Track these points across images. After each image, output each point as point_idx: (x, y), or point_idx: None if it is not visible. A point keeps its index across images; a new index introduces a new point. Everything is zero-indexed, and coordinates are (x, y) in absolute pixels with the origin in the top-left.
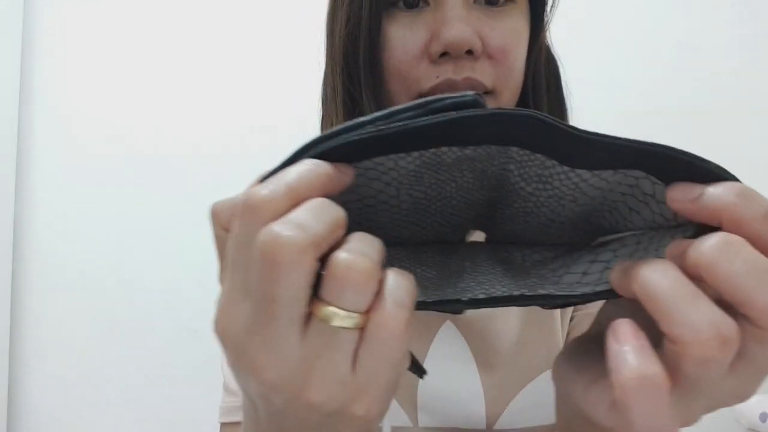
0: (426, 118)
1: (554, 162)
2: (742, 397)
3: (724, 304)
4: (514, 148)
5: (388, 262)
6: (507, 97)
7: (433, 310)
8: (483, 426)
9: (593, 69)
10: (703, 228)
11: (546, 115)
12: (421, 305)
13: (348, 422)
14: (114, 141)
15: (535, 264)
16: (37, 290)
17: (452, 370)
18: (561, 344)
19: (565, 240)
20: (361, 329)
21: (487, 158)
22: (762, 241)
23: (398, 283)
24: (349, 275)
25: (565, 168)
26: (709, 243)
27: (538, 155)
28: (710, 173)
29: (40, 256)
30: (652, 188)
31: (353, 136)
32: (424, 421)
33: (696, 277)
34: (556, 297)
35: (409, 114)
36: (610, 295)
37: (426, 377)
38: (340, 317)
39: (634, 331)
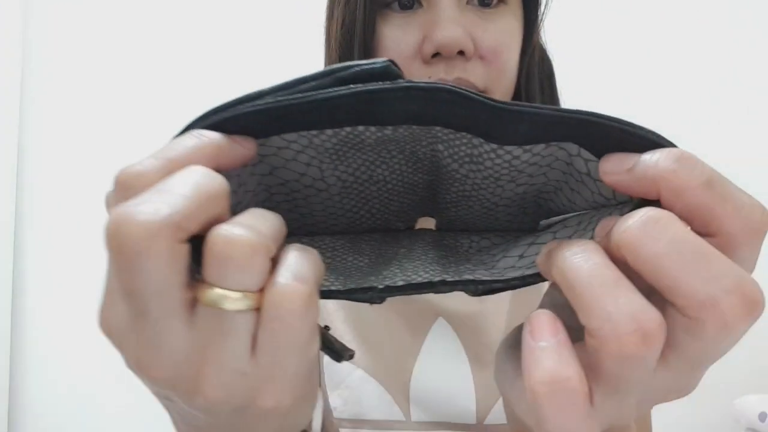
0: (327, 90)
1: (480, 140)
2: (683, 391)
3: (654, 293)
4: (437, 128)
5: (323, 251)
6: (499, 98)
7: (344, 299)
8: (473, 421)
9: (588, 69)
10: (643, 204)
11: (459, 87)
12: (334, 294)
13: (262, 418)
14: (115, 140)
15: (480, 250)
16: (38, 290)
17: (444, 366)
18: None
19: (515, 226)
20: (258, 311)
21: (413, 139)
22: (702, 212)
23: (298, 258)
24: (228, 250)
25: (493, 145)
26: (633, 220)
27: (463, 133)
28: (645, 141)
29: (41, 256)
30: (586, 166)
31: (248, 107)
32: (416, 415)
33: (622, 261)
34: (481, 282)
35: (313, 84)
36: (536, 279)
37: (420, 372)
38: (230, 300)
39: (551, 325)
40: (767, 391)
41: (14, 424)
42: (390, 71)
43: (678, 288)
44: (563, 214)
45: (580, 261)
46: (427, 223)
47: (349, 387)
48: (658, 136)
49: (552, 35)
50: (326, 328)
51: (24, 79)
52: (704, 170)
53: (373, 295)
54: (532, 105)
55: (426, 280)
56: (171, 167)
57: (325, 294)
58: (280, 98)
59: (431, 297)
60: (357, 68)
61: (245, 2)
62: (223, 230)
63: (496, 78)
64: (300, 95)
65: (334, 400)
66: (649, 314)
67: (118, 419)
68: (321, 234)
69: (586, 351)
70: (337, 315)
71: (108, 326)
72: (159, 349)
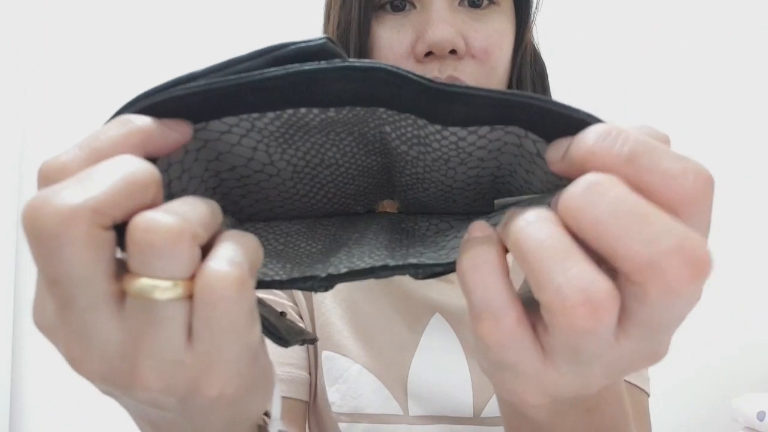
0: (260, 71)
1: (425, 121)
2: (652, 358)
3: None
4: (381, 109)
5: (277, 237)
6: None
7: (285, 288)
8: (470, 414)
9: (581, 68)
10: None
11: (397, 67)
12: (275, 284)
13: (209, 408)
14: None
15: (438, 232)
16: None
17: (442, 361)
18: None
19: (475, 210)
20: (191, 298)
21: (359, 121)
22: (635, 186)
23: (231, 243)
24: (149, 237)
25: (437, 126)
26: (574, 187)
27: (407, 114)
28: (578, 122)
29: None
30: (535, 146)
31: (178, 90)
32: (414, 409)
33: (574, 232)
34: (422, 266)
35: (248, 64)
36: None
37: (418, 366)
38: (159, 289)
39: (483, 225)
40: (766, 390)
41: (14, 424)
42: (326, 49)
43: (619, 252)
44: (521, 194)
45: (532, 231)
46: (391, 206)
47: (347, 382)
48: (589, 115)
49: (544, 35)
50: (282, 314)
51: (27, 80)
52: (626, 144)
53: (314, 284)
54: (469, 86)
55: (368, 266)
56: (96, 157)
57: (267, 284)
58: (212, 81)
59: (428, 293)
60: (292, 47)
61: (245, 5)
62: (143, 216)
63: (488, 76)
64: (233, 77)
65: (333, 395)
66: (598, 285)
67: (119, 419)
68: (278, 219)
69: (544, 321)
70: (335, 312)
71: (40, 320)
72: (88, 342)
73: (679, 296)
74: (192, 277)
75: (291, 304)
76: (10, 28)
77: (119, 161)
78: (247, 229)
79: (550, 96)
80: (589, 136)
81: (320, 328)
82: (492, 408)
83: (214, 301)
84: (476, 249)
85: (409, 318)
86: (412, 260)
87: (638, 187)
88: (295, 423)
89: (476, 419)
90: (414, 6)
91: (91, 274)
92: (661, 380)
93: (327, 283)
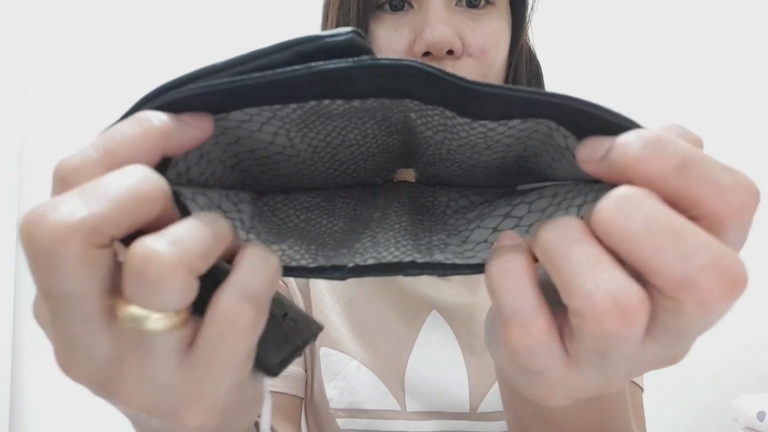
0: (285, 70)
1: (453, 113)
2: (673, 360)
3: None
4: (407, 100)
5: (298, 213)
6: None
7: (312, 277)
8: (467, 409)
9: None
10: None
11: (425, 64)
12: (302, 272)
13: None
14: None
15: (458, 210)
16: None
17: (439, 358)
18: None
19: (494, 183)
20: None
21: (383, 108)
22: (680, 197)
23: (250, 269)
24: (144, 268)
25: (467, 119)
26: (606, 200)
27: (434, 106)
28: (621, 128)
29: None
30: (565, 141)
31: (200, 88)
32: (411, 405)
33: (607, 246)
34: (450, 267)
35: (271, 58)
36: None
37: (415, 363)
38: (152, 319)
39: (511, 234)
40: (766, 390)
41: (15, 424)
42: (353, 44)
43: (653, 267)
44: (544, 176)
45: (560, 237)
46: (408, 175)
47: (345, 378)
48: (628, 120)
49: (540, 36)
50: (285, 315)
51: (27, 80)
52: (676, 153)
53: (342, 274)
54: (504, 86)
55: (396, 260)
56: (110, 159)
57: (294, 271)
58: (235, 78)
59: (425, 290)
60: (318, 41)
61: (244, 3)
62: (141, 245)
63: (484, 76)
64: (258, 75)
65: (331, 391)
66: (629, 291)
67: (119, 419)
68: (296, 191)
69: (571, 327)
70: (333, 309)
71: (37, 316)
72: (77, 352)
73: (712, 311)
74: (187, 308)
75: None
76: (10, 28)
77: (126, 174)
78: (266, 203)
79: None
80: (635, 142)
81: None
82: (488, 403)
83: (224, 334)
84: (506, 255)
85: (407, 315)
86: (438, 256)
87: (686, 198)
88: (290, 419)
89: (473, 414)
90: (412, 6)
91: (84, 291)
92: (661, 380)
93: (354, 274)
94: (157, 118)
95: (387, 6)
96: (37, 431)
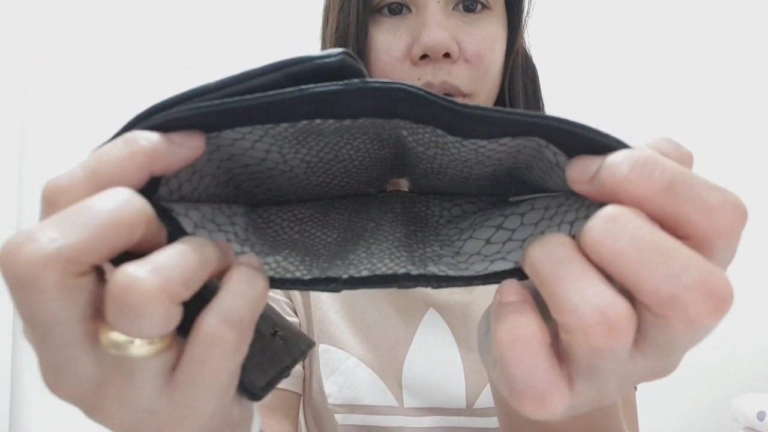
0: (276, 92)
1: (444, 132)
2: (663, 373)
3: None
4: (397, 119)
5: (292, 224)
6: (483, 99)
7: (307, 290)
8: (463, 405)
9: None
10: None
11: (416, 87)
12: (297, 284)
13: None
14: None
15: (451, 220)
16: None
17: (436, 354)
18: None
19: (486, 192)
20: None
21: (374, 126)
22: (668, 217)
23: (235, 294)
24: (124, 296)
25: (457, 138)
26: (594, 220)
27: (426, 125)
28: (609, 148)
29: None
30: (555, 158)
31: (192, 109)
32: (409, 401)
33: (596, 265)
34: (444, 279)
35: (262, 80)
36: (497, 280)
37: (412, 360)
38: (135, 345)
39: (517, 288)
40: (765, 390)
41: (15, 424)
42: (345, 65)
43: (641, 285)
44: (536, 187)
45: (549, 254)
46: (401, 184)
47: (344, 374)
48: (617, 141)
49: (535, 40)
50: (275, 333)
51: (27, 80)
52: (664, 174)
53: (336, 286)
54: (493, 109)
55: (390, 271)
56: (96, 180)
57: (289, 283)
58: (227, 101)
59: (423, 288)
60: (309, 63)
61: (244, 6)
62: (123, 273)
63: (480, 80)
64: (249, 97)
65: (329, 387)
66: (616, 306)
67: None
68: (290, 203)
69: (562, 343)
70: (331, 307)
71: (26, 336)
72: (61, 373)
73: (699, 328)
74: (170, 333)
75: (286, 299)
76: (10, 28)
77: (106, 199)
78: (260, 214)
79: (541, 98)
80: (624, 162)
81: (318, 322)
82: (484, 399)
83: (206, 358)
84: (514, 320)
85: (405, 313)
86: (432, 268)
87: (675, 218)
88: (288, 415)
89: (469, 410)
90: (410, 10)
91: (63, 319)
92: (661, 380)
93: (349, 286)
94: (145, 138)
95: (386, 10)
96: (37, 431)
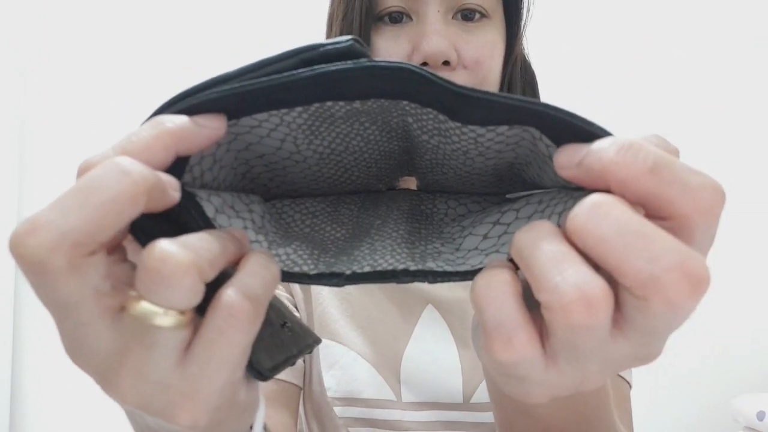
0: (290, 73)
1: (445, 117)
2: (647, 359)
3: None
4: (404, 102)
5: (303, 218)
6: None
7: (311, 284)
8: (460, 400)
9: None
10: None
11: (420, 67)
12: (303, 278)
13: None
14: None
15: (455, 219)
16: None
17: (433, 350)
18: None
19: (491, 190)
20: (188, 328)
21: (383, 111)
22: (652, 198)
23: (252, 273)
24: (159, 266)
25: (457, 123)
26: (579, 207)
27: (429, 109)
28: (595, 136)
29: None
30: (548, 150)
31: (213, 93)
32: (407, 396)
33: (581, 250)
34: (440, 274)
35: (278, 66)
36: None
37: (411, 355)
38: (158, 315)
39: (500, 260)
40: (765, 390)
41: (15, 424)
42: (353, 50)
43: (623, 268)
44: (533, 184)
45: (532, 238)
46: (411, 183)
47: (343, 368)
48: (602, 129)
49: (535, 47)
50: (284, 324)
51: (27, 80)
52: (648, 157)
53: (340, 281)
54: (488, 92)
55: (390, 267)
56: None
57: (295, 277)
58: (246, 83)
59: (421, 285)
60: (321, 48)
61: (247, 10)
62: (159, 246)
63: (479, 86)
64: (265, 79)
65: (329, 380)
66: (593, 283)
67: (118, 419)
68: (303, 197)
69: (545, 322)
70: (332, 302)
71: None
72: (80, 345)
73: (678, 310)
74: (192, 309)
75: (287, 295)
76: (10, 28)
77: (103, 174)
78: (274, 205)
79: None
80: (610, 147)
81: (318, 317)
82: (480, 394)
83: (223, 328)
84: (490, 271)
85: (403, 309)
86: (431, 264)
87: (658, 199)
88: (289, 406)
89: (466, 405)
90: (410, 18)
91: (79, 299)
92: (661, 380)
93: (352, 281)
94: (171, 120)
95: (387, 18)
96: (37, 431)
